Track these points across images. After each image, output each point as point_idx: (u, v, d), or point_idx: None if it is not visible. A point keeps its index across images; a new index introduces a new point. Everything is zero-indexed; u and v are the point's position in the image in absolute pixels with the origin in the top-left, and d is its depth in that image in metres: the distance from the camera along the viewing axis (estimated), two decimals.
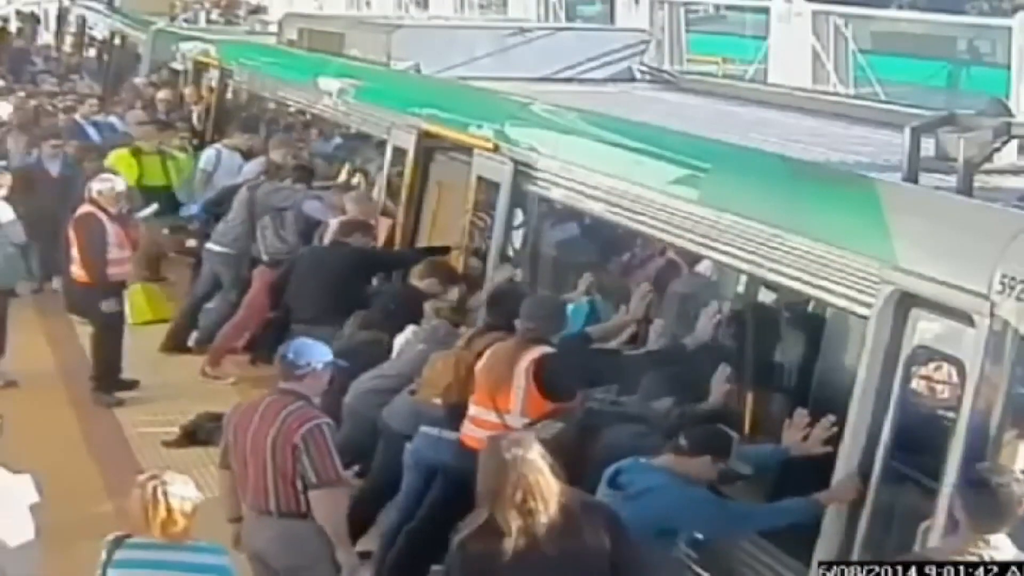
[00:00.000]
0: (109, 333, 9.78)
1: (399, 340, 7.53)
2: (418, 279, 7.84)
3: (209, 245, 10.68)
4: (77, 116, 14.24)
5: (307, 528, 5.43)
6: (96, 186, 9.70)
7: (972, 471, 4.40)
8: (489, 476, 4.44)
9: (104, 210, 9.59)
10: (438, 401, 6.46)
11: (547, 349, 6.08)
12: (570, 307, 7.02)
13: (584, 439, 5.69)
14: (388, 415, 7.03)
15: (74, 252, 9.71)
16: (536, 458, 4.42)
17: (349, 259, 8.52)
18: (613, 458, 5.30)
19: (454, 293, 7.74)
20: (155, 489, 4.63)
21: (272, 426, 5.40)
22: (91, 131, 13.82)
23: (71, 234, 9.74)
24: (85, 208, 9.69)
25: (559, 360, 6.05)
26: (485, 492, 4.45)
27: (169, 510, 4.62)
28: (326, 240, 9.30)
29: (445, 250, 8.54)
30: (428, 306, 7.55)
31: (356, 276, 8.46)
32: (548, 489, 4.39)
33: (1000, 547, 4.18)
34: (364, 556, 7.03)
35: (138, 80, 16.67)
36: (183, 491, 4.68)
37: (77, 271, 9.74)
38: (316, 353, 5.62)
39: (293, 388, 5.51)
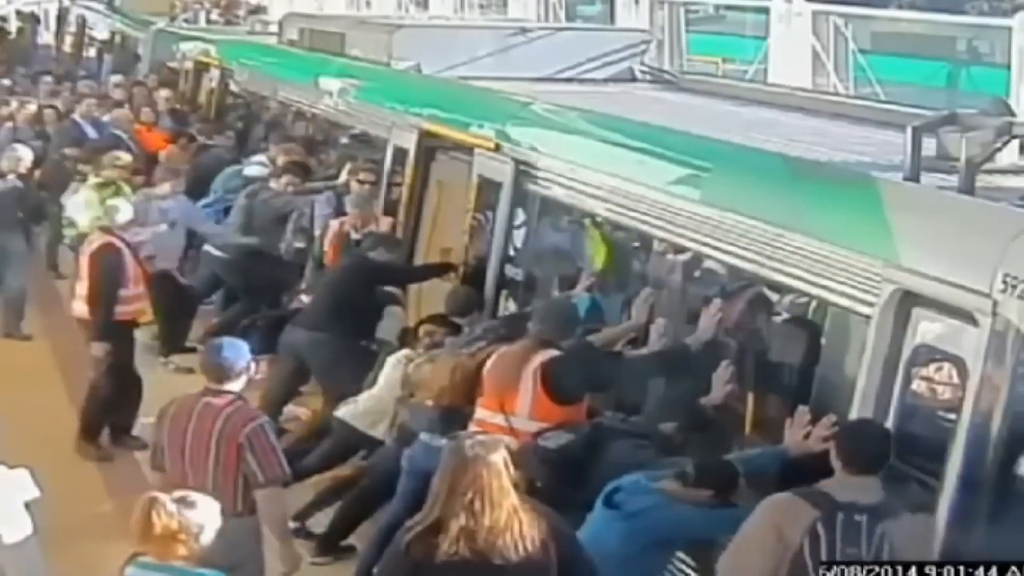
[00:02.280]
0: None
1: (390, 360, 7.55)
2: (459, 316, 7.69)
3: (207, 248, 10.73)
4: (76, 116, 14.18)
5: (244, 526, 5.50)
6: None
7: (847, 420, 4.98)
8: (447, 473, 4.42)
9: (121, 239, 8.83)
10: (429, 403, 6.44)
11: (555, 352, 6.07)
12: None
13: (592, 452, 5.68)
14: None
15: (79, 287, 8.91)
16: (497, 461, 4.38)
17: (358, 271, 8.44)
18: (619, 473, 5.32)
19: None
20: (145, 506, 4.49)
21: (215, 425, 5.46)
22: (90, 131, 13.78)
23: (82, 266, 8.85)
24: (103, 238, 8.81)
25: (568, 363, 6.04)
26: (439, 489, 4.42)
27: (156, 528, 4.46)
28: (327, 237, 9.33)
29: (451, 266, 8.50)
30: (423, 330, 7.55)
31: (360, 288, 8.35)
32: (499, 493, 4.33)
33: (869, 488, 4.59)
34: (350, 550, 7.07)
35: (115, 78, 16.56)
36: (180, 512, 4.50)
37: (79, 307, 8.92)
38: (246, 353, 5.72)
39: (227, 388, 5.57)
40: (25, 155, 11.07)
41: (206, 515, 4.56)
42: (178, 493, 4.61)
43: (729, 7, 17.80)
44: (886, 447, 4.74)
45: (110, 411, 8.88)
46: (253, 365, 5.78)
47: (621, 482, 5.19)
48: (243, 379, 5.64)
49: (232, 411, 5.50)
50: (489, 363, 6.20)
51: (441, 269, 8.56)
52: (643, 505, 5.08)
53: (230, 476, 5.46)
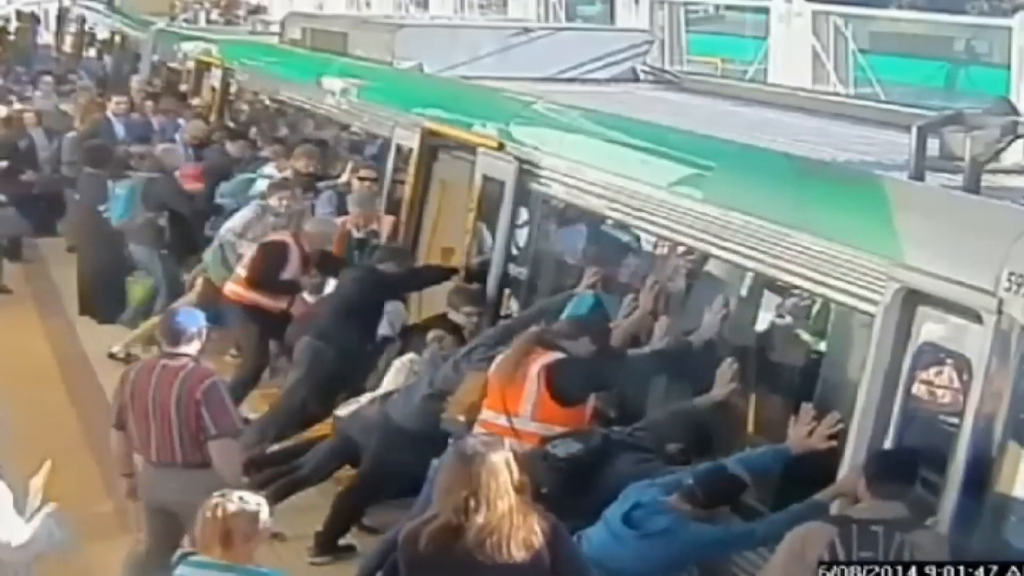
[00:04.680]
0: None
1: (396, 364, 7.56)
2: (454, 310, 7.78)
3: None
4: (108, 112, 14.14)
5: (209, 477, 5.81)
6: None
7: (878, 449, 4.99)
8: (446, 471, 4.45)
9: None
10: (461, 418, 6.40)
11: (560, 354, 6.06)
12: (574, 300, 7.04)
13: (600, 463, 5.68)
14: (390, 409, 7.04)
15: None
16: (497, 461, 4.38)
17: (366, 285, 8.36)
18: (626, 486, 5.33)
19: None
20: (215, 507, 4.57)
21: (173, 385, 5.93)
22: (119, 128, 13.76)
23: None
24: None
25: (572, 365, 6.03)
26: (438, 487, 4.46)
27: (227, 531, 4.53)
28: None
29: (455, 270, 8.50)
30: (431, 335, 7.54)
31: (368, 300, 8.33)
32: (496, 493, 4.33)
33: (891, 509, 4.61)
34: (349, 550, 7.07)
35: (137, 79, 16.62)
36: (246, 512, 4.57)
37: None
38: (200, 320, 6.27)
39: (183, 351, 6.06)
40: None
41: (260, 513, 4.61)
42: (236, 494, 4.67)
43: (729, 7, 17.79)
44: (914, 475, 4.75)
45: None
46: (205, 331, 6.25)
47: (641, 498, 5.18)
48: (196, 343, 6.12)
49: (188, 371, 5.96)
50: (494, 364, 6.20)
51: (445, 273, 8.56)
52: (661, 526, 5.08)
53: (192, 430, 5.91)
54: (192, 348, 6.09)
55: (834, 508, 5.05)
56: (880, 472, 4.75)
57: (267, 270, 8.91)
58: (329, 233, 9.11)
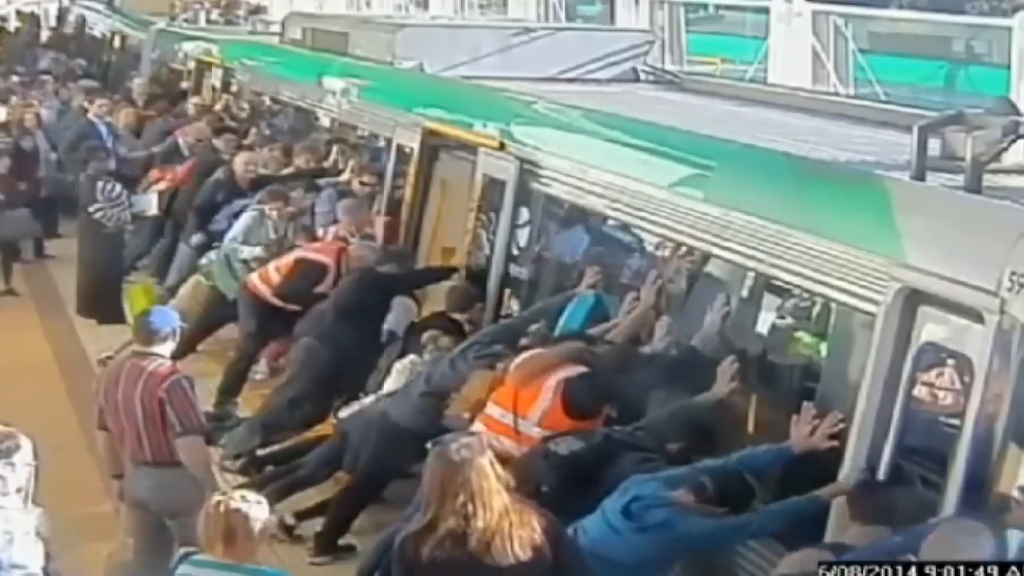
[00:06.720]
0: None
1: (397, 366, 7.56)
2: (459, 312, 7.80)
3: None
4: (91, 115, 14.11)
5: (182, 475, 5.92)
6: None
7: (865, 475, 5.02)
8: (436, 477, 4.44)
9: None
10: (466, 415, 6.37)
11: (582, 369, 6.03)
12: (575, 300, 7.04)
13: (601, 462, 5.67)
14: (388, 408, 7.04)
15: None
16: (484, 464, 4.41)
17: (365, 285, 8.39)
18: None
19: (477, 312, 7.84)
20: (218, 506, 4.59)
21: (138, 384, 5.94)
22: (104, 130, 13.74)
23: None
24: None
25: (589, 384, 6.00)
26: (430, 493, 4.45)
27: (230, 529, 4.55)
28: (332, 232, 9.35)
29: (455, 269, 8.51)
30: (426, 336, 7.54)
31: (368, 300, 8.34)
32: (490, 495, 4.36)
33: (880, 533, 4.55)
34: (349, 550, 7.06)
35: (138, 81, 16.61)
36: (248, 511, 4.59)
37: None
38: (174, 320, 6.30)
39: (151, 350, 6.05)
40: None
41: (260, 513, 4.63)
42: (238, 493, 4.70)
43: (729, 7, 17.79)
44: (892, 508, 4.75)
45: None
46: (178, 330, 6.29)
47: (640, 491, 5.18)
48: (169, 343, 6.13)
49: (151, 370, 5.95)
50: (516, 362, 6.17)
51: (445, 272, 8.56)
52: (659, 519, 5.09)
53: (159, 429, 5.92)
54: (165, 348, 6.08)
55: (834, 506, 5.06)
56: (860, 500, 4.80)
57: (298, 287, 8.92)
58: (369, 257, 9.02)
